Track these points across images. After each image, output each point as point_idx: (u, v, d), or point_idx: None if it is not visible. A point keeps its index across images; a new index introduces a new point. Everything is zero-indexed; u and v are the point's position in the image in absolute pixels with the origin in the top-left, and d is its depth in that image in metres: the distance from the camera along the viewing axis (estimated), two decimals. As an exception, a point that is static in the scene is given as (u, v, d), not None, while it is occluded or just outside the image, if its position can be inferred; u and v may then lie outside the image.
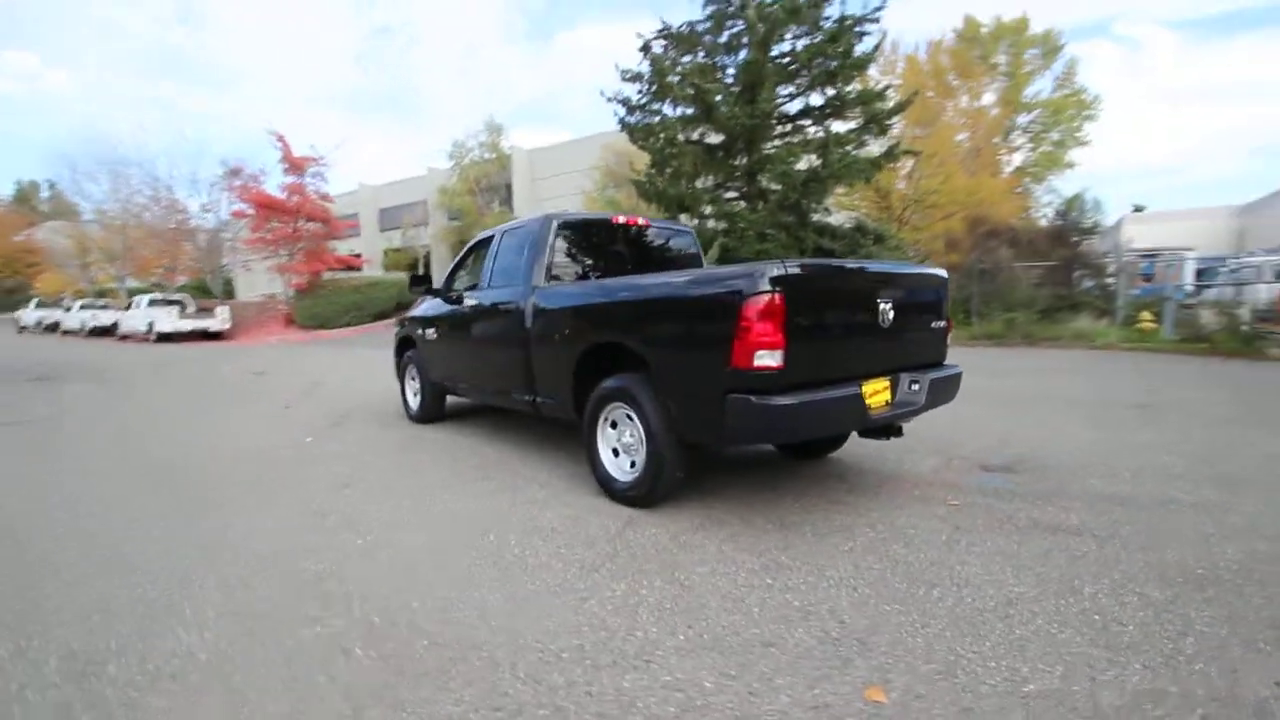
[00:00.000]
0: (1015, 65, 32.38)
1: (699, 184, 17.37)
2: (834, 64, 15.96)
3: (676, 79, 16.18)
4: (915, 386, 3.15)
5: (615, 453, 3.41)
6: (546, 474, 3.92)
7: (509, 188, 32.47)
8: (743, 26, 17.43)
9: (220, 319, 19.41)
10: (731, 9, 17.44)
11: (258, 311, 22.86)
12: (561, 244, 4.14)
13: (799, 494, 3.40)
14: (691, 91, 15.47)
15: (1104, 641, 1.93)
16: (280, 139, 19.60)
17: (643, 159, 27.19)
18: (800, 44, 16.48)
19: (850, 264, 3.04)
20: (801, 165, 17.06)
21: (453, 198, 31.51)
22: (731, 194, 16.86)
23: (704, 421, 2.82)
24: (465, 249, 5.22)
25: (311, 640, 2.07)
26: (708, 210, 16.71)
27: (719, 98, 15.31)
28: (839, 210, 21.03)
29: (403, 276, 24.58)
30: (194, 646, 2.04)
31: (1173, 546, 2.61)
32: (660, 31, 17.83)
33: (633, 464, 3.29)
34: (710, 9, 17.73)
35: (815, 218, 17.25)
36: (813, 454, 4.08)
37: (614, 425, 3.40)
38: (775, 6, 15.72)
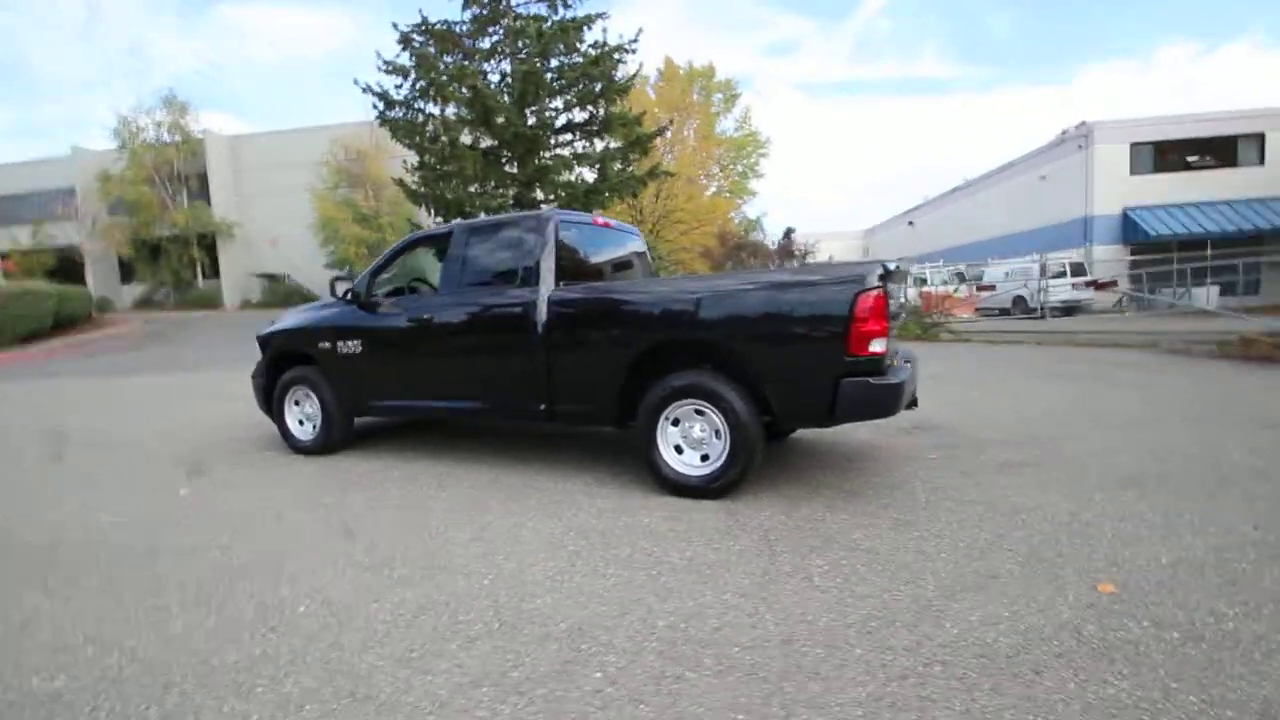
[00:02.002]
0: (706, 105, 38.11)
1: (472, 189, 16.84)
2: (599, 86, 16.90)
3: (446, 79, 15.44)
4: (907, 364, 3.85)
5: (678, 449, 3.43)
6: (575, 483, 3.70)
7: (203, 178, 26.93)
8: (502, 35, 17.47)
9: None
10: (487, 14, 17.32)
11: None
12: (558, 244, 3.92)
13: (824, 468, 3.83)
14: (469, 94, 14.95)
15: (1157, 525, 2.76)
16: None
17: (390, 156, 25.24)
18: (567, 62, 17.07)
19: (893, 263, 3.57)
20: (572, 177, 17.80)
21: (122, 187, 24.95)
22: (508, 202, 16.67)
23: (813, 405, 3.08)
24: (394, 249, 4.50)
25: (618, 679, 1.81)
26: (491, 216, 16.32)
27: (498, 103, 15.05)
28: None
29: (55, 287, 18.58)
30: (501, 727, 1.62)
31: (1091, 467, 3.72)
32: (418, 25, 16.83)
33: (704, 457, 3.37)
34: (471, 12, 17.34)
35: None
36: (780, 435, 4.56)
37: (675, 423, 3.43)
38: (549, 25, 16.10)
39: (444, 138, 15.48)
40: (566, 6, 17.28)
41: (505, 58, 17.72)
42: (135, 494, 3.89)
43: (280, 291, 26.77)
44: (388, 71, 16.10)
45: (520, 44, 16.77)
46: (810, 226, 39.02)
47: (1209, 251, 16.34)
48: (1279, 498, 3.05)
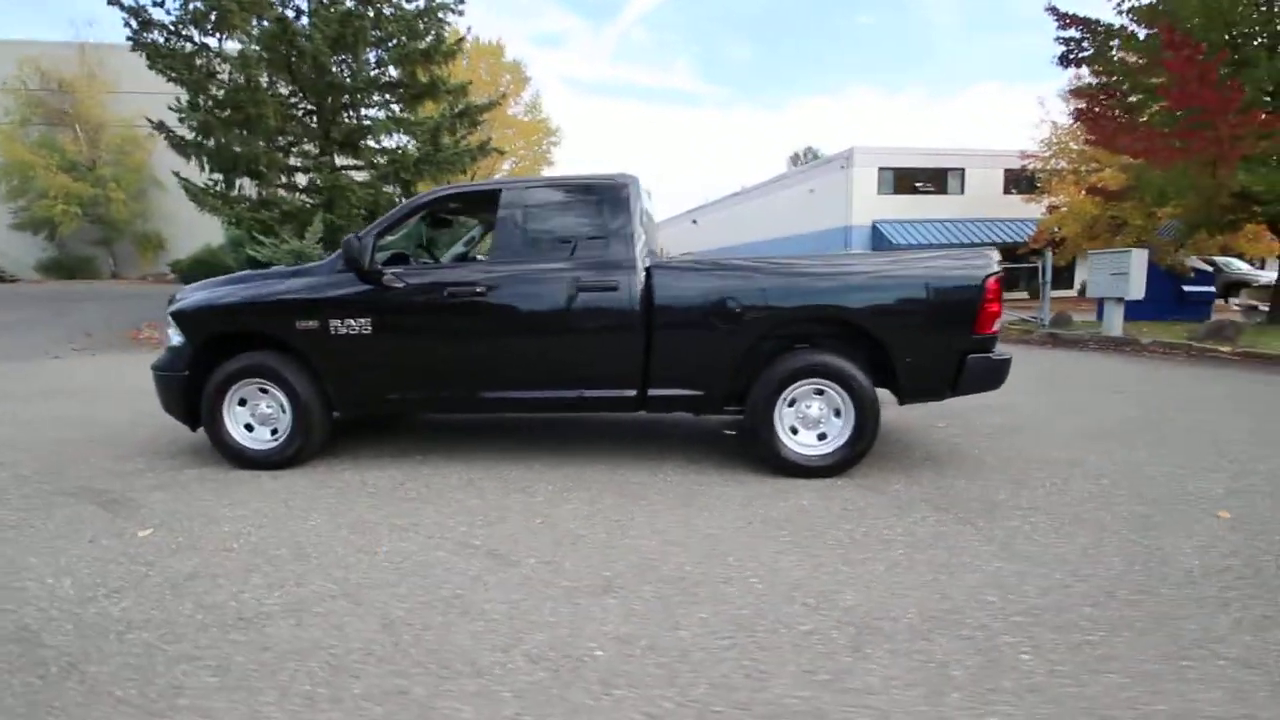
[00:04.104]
0: (494, 84, 36.90)
1: (262, 144, 14.09)
2: (423, 44, 15.36)
3: (235, 5, 12.65)
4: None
5: (793, 430, 3.38)
6: (669, 473, 3.41)
7: None
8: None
9: None
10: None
11: None
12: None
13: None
14: (272, 27, 12.43)
15: (1172, 465, 3.49)
16: None
17: (110, 91, 20.33)
18: (386, 11, 15.14)
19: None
20: (392, 144, 15.98)
21: None
22: (321, 164, 14.27)
23: (939, 380, 3.28)
24: (410, 206, 3.60)
25: (1057, 664, 1.77)
26: (300, 180, 13.91)
27: (309, 43, 12.76)
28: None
29: None
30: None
31: (1058, 426, 4.54)
32: (185, -70, 13.48)
33: (820, 436, 3.37)
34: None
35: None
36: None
37: (791, 403, 3.36)
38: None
39: (236, 77, 12.66)
40: (378, -52, 15.27)
41: (300, -7, 15.07)
42: (57, 545, 2.60)
43: (-72, 257, 19.47)
44: (147, -19, 12.62)
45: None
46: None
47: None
48: (1193, 441, 4.06)
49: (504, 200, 3.51)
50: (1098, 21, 11.20)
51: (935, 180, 25.89)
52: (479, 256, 5.01)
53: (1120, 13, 11.10)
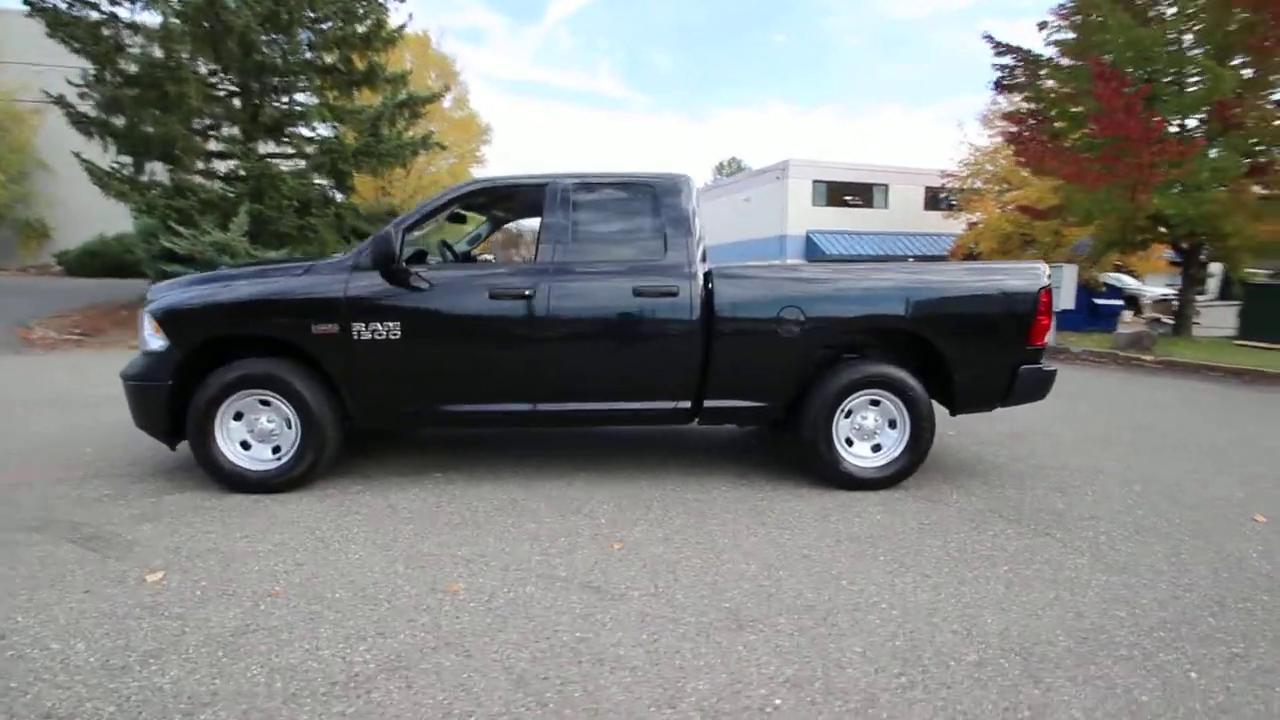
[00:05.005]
0: (421, 78, 35.60)
1: (177, 125, 12.84)
2: (363, 29, 14.55)
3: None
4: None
5: (848, 442, 3.31)
6: (732, 488, 3.25)
7: None
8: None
9: None
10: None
11: None
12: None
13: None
14: (198, 0, 11.31)
15: (1183, 471, 3.69)
16: None
17: (4, 58, 18.33)
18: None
19: None
20: (329, 133, 14.99)
21: None
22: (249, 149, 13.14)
23: (992, 391, 3.29)
24: (441, 201, 3.25)
25: (1231, 675, 1.76)
26: (220, 166, 12.76)
27: (239, 18, 11.71)
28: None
29: None
30: None
31: (1058, 433, 4.74)
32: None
33: (875, 448, 3.32)
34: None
35: (341, 198, 15.38)
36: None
37: (847, 415, 3.30)
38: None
39: (150, 50, 11.43)
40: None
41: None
42: (43, 596, 2.13)
43: None
44: (43, -64, 11.20)
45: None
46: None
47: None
48: (1183, 446, 4.34)
49: (550, 196, 3.24)
50: (1029, 51, 12.02)
51: (863, 194, 27.12)
52: (484, 256, 4.69)
53: (1049, 44, 11.97)
